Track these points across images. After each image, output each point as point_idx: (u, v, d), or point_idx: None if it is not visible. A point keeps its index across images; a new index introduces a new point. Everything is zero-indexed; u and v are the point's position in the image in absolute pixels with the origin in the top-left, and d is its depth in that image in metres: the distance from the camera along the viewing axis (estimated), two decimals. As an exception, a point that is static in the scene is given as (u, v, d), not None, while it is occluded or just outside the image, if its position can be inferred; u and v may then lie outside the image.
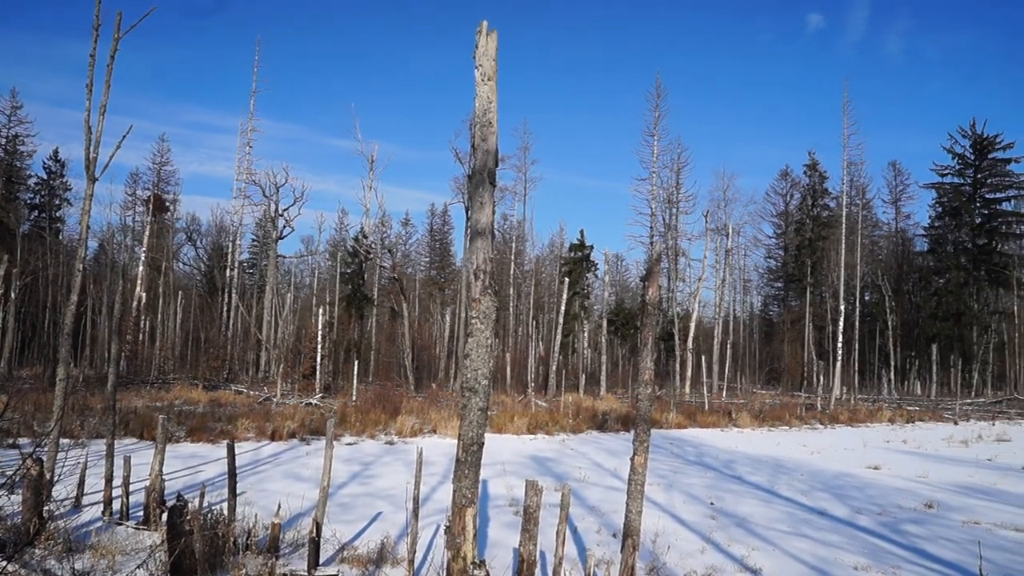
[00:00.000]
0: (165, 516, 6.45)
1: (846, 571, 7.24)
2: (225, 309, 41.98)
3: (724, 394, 37.28)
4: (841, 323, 37.58)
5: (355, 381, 25.97)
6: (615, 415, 22.49)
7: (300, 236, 68.68)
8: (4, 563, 5.27)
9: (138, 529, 7.50)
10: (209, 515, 6.44)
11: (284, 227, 42.08)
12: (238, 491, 7.33)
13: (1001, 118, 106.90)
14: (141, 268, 38.21)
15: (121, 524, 7.66)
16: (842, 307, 38.63)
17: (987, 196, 53.54)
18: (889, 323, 46.91)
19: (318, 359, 28.01)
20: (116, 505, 8.05)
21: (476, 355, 5.52)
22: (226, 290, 42.95)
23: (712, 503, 10.60)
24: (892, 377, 46.21)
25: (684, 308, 48.42)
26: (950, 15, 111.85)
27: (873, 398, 39.74)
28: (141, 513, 7.92)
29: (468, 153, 34.60)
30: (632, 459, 5.92)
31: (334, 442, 8.37)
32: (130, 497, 8.05)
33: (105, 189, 51.97)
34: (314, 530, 6.30)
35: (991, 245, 52.25)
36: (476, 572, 5.17)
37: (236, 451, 7.59)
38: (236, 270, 44.21)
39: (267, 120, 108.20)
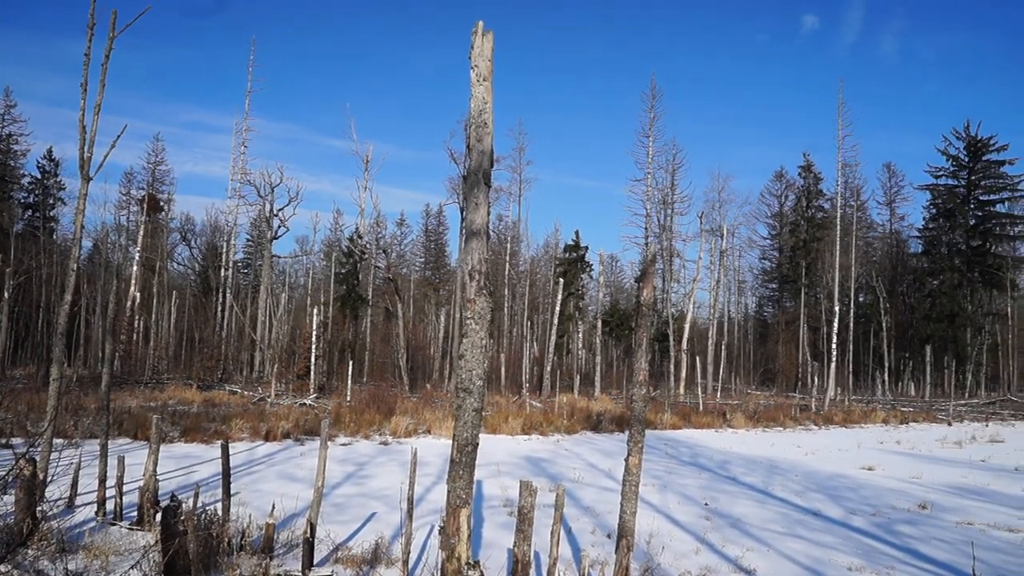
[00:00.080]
0: (159, 516, 6.43)
1: (840, 572, 7.26)
2: (219, 309, 41.88)
3: (719, 395, 37.34)
4: (835, 324, 37.66)
5: (349, 381, 25.95)
6: (609, 416, 22.51)
7: (295, 236, 68.74)
8: (-4, 564, 5.25)
9: (132, 529, 7.48)
10: (203, 515, 6.42)
11: (279, 227, 42.00)
12: (232, 491, 7.31)
13: (996, 119, 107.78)
14: (135, 268, 38.07)
15: (115, 524, 7.64)
16: (836, 308, 38.73)
17: (981, 198, 53.74)
18: (883, 324, 47.02)
19: (312, 359, 27.96)
20: (110, 505, 8.03)
21: (471, 355, 5.53)
22: (220, 290, 42.84)
23: (706, 504, 10.61)
24: (886, 378, 46.33)
25: (679, 309, 48.46)
26: (945, 16, 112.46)
27: (867, 399, 39.84)
28: (135, 513, 7.90)
29: (463, 154, 34.57)
30: (626, 460, 5.93)
31: (328, 442, 8.36)
32: (124, 497, 8.03)
33: (99, 188, 51.93)
34: (308, 530, 6.29)
35: (985, 247, 52.45)
36: (470, 573, 5.18)
37: (230, 451, 7.57)
38: (231, 270, 44.12)
39: (264, 120, 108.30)
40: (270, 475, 11.64)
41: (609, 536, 8.06)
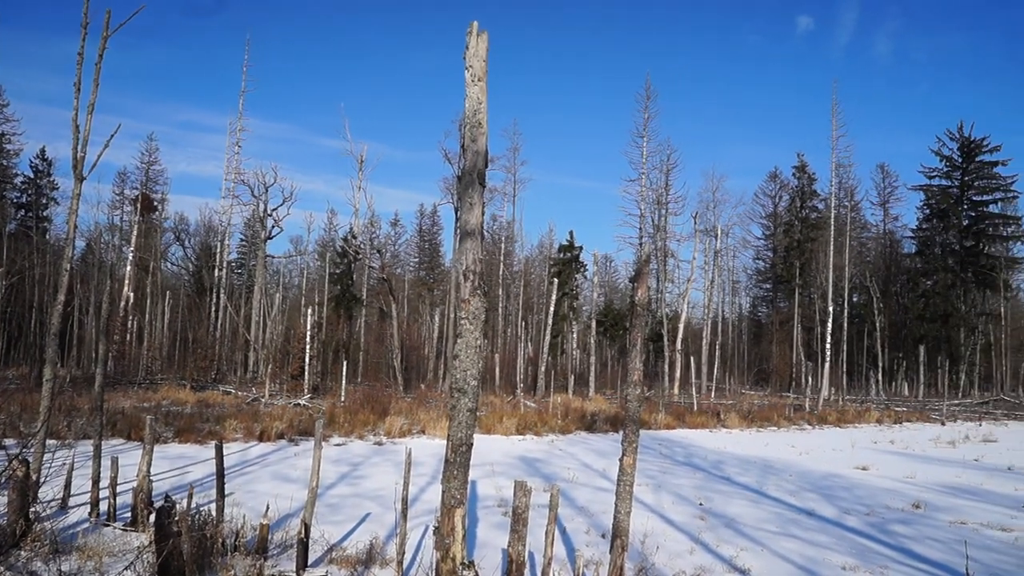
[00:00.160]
0: (153, 517, 6.41)
1: (834, 571, 7.28)
2: (213, 309, 41.75)
3: (713, 395, 37.40)
4: (829, 324, 37.80)
5: (343, 382, 25.91)
6: (604, 416, 22.52)
7: (289, 236, 68.45)
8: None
9: (125, 530, 7.45)
10: (197, 516, 6.41)
11: (273, 227, 41.95)
12: (226, 492, 7.29)
13: (989, 120, 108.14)
14: (129, 268, 38.01)
15: (108, 525, 7.61)
16: (830, 308, 38.85)
17: (974, 198, 54.03)
18: (877, 324, 47.21)
19: (306, 360, 27.90)
20: (103, 506, 8.00)
21: (465, 356, 5.52)
22: (214, 290, 42.71)
23: (701, 504, 10.63)
24: (880, 378, 46.51)
25: (673, 309, 48.55)
26: (939, 17, 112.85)
27: (861, 399, 39.97)
28: (128, 514, 7.87)
29: (458, 154, 34.60)
30: (621, 460, 5.94)
31: (322, 443, 8.35)
32: (117, 498, 8.00)
33: (93, 188, 51.51)
34: (302, 531, 6.28)
35: (978, 247, 52.71)
36: (465, 573, 5.17)
37: (224, 452, 7.56)
38: (224, 270, 43.99)
39: (259, 120, 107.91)
40: (264, 476, 11.62)
41: (604, 536, 8.06)
